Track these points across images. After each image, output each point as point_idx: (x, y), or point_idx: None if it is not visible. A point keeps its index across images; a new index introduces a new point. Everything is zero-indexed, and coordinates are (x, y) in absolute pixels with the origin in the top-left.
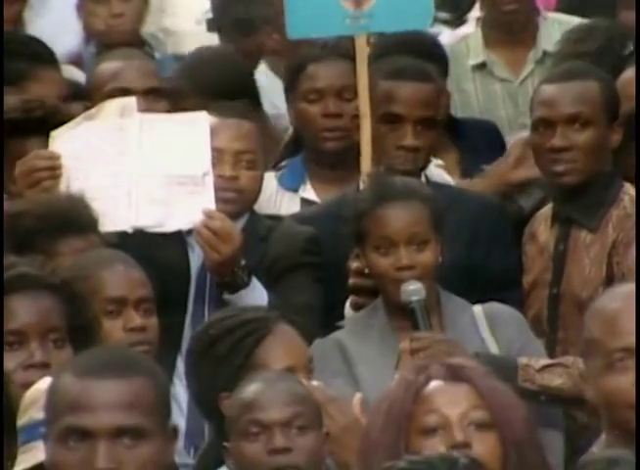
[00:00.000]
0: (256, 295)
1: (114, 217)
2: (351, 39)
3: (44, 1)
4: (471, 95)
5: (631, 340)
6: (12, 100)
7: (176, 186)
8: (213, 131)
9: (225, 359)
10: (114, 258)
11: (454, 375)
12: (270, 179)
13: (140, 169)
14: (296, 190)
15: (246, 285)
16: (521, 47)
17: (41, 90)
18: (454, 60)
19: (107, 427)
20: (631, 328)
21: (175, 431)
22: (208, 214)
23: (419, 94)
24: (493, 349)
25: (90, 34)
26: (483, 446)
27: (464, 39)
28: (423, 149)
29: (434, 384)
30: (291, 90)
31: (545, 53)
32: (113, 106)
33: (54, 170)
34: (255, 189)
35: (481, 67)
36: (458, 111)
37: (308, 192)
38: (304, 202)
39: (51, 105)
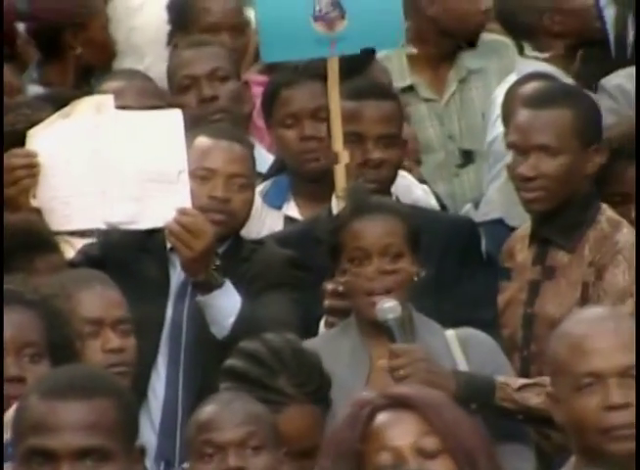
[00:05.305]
0: (230, 298)
1: (89, 214)
2: (323, 60)
3: None
4: None
5: (598, 364)
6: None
7: (151, 183)
8: (206, 152)
9: None
10: (92, 279)
11: (398, 404)
12: (255, 197)
13: (115, 166)
14: (279, 207)
15: (220, 285)
16: (443, 67)
17: None
18: None
19: (70, 448)
20: (598, 352)
21: (143, 451)
22: (181, 211)
23: (380, 112)
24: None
25: None
26: None
27: (384, 61)
28: (388, 162)
29: (380, 417)
30: (268, 117)
31: (470, 71)
32: (88, 103)
33: (31, 168)
34: (246, 213)
35: (409, 89)
36: None
37: (292, 210)
38: (288, 219)
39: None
